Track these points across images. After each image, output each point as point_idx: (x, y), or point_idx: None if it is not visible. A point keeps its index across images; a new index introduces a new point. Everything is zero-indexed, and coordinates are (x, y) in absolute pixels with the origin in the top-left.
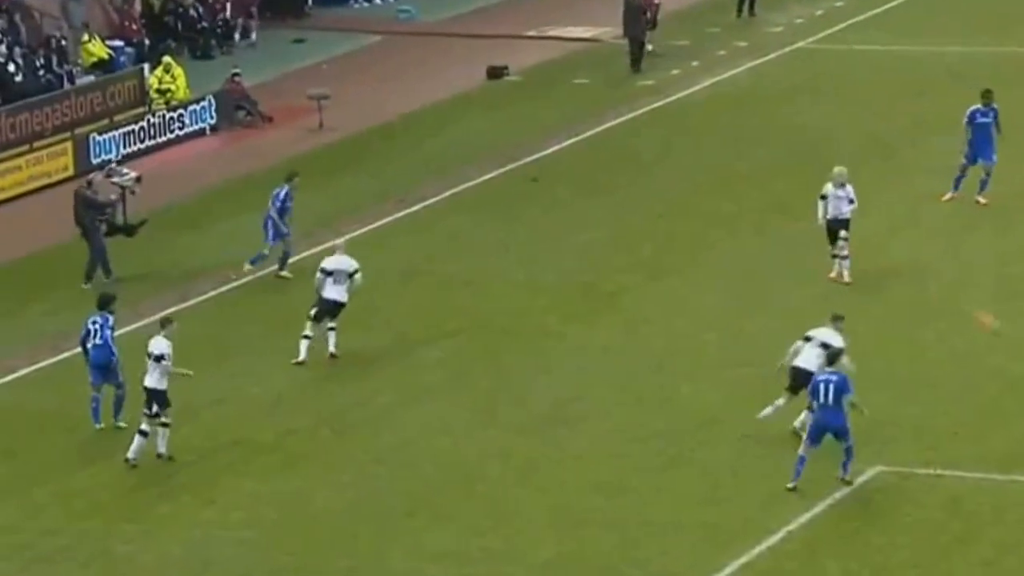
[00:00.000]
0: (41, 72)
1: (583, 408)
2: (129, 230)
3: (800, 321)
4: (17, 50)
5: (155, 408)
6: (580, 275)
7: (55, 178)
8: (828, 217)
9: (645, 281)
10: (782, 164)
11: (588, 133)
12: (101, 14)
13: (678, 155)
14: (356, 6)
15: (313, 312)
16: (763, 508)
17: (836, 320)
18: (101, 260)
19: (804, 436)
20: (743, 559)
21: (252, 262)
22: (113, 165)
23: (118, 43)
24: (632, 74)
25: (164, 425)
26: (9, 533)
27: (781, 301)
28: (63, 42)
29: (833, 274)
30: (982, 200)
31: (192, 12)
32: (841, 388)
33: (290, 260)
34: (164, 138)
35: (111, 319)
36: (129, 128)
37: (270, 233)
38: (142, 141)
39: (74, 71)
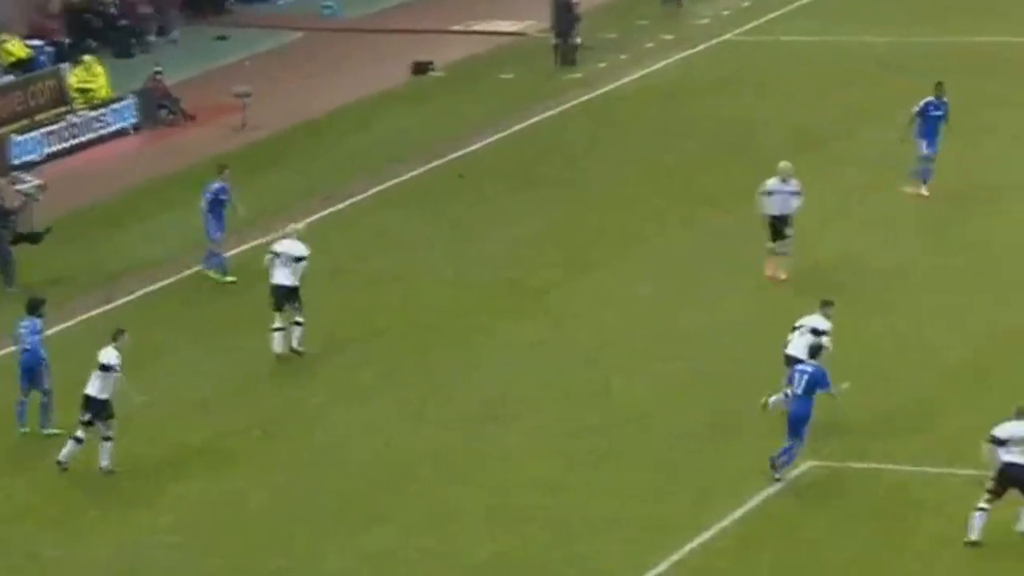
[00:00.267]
0: None
1: (514, 405)
2: (33, 238)
3: (730, 315)
4: None
5: (89, 416)
6: (508, 270)
7: None
8: (774, 213)
9: (574, 275)
10: (710, 156)
11: (515, 128)
12: (19, 13)
13: (606, 148)
14: (279, 2)
15: (272, 302)
16: (697, 504)
17: (825, 306)
18: (3, 268)
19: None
20: (676, 556)
21: (207, 263)
22: (17, 172)
23: (37, 42)
24: (559, 68)
25: (107, 439)
26: None
27: (711, 294)
28: None
29: (769, 272)
30: (924, 192)
31: (112, 10)
32: (814, 381)
33: (222, 258)
34: (86, 137)
35: (39, 323)
36: (50, 128)
37: (211, 228)
38: (64, 141)
39: None
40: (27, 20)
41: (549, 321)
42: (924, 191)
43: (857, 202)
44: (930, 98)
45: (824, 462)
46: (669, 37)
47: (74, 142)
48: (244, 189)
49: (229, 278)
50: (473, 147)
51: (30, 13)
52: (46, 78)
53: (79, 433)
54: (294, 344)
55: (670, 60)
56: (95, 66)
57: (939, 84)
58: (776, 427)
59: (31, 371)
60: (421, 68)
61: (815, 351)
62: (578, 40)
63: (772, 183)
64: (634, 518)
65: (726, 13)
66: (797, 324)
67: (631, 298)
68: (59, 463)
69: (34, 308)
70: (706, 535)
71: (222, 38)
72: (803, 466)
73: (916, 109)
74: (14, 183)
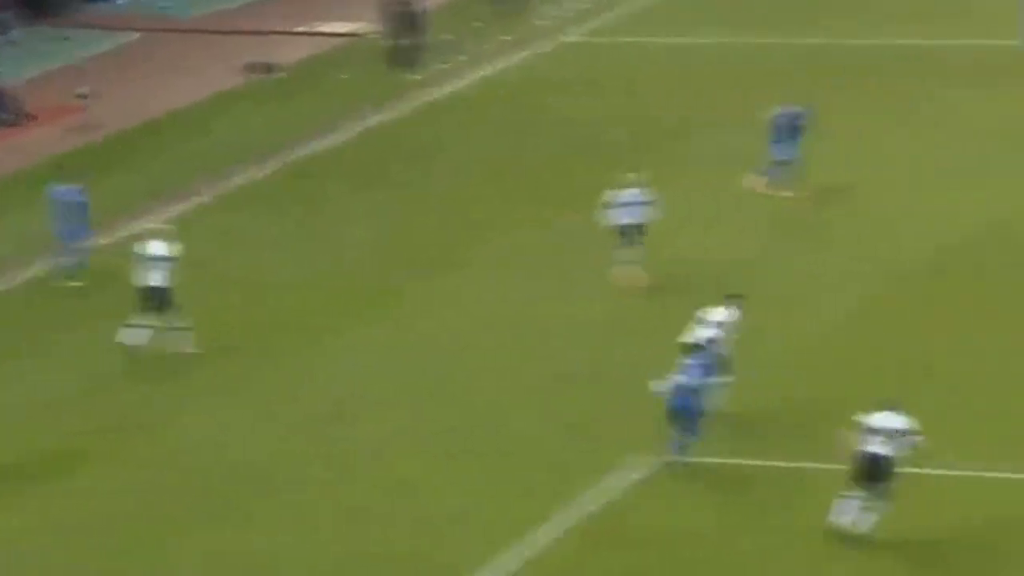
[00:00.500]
0: None
1: (363, 406)
2: None
3: (582, 315)
4: None
5: None
6: (355, 271)
7: None
8: (625, 222)
9: (421, 276)
10: (554, 157)
11: (357, 129)
12: None
13: (449, 149)
14: (119, 2)
15: (140, 303)
16: (550, 501)
17: (730, 299)
18: None
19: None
20: (529, 552)
21: (56, 264)
22: None
23: None
24: (394, 70)
25: None
26: None
27: (559, 294)
28: None
29: (624, 281)
30: (787, 193)
31: None
32: (703, 372)
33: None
34: None
35: None
36: None
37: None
38: None
39: None
40: None
41: (396, 322)
42: (787, 192)
43: (699, 200)
44: (788, 104)
45: (679, 458)
46: (507, 38)
47: None
48: (87, 190)
49: (75, 282)
50: (315, 148)
51: None
52: None
53: None
54: (187, 348)
55: (511, 61)
56: None
57: (798, 89)
58: (634, 426)
59: None
60: (261, 68)
61: (709, 344)
62: (420, 41)
63: (623, 192)
64: (486, 515)
65: (565, 14)
66: (699, 315)
67: (477, 299)
68: None
69: None
70: (560, 532)
71: (62, 38)
72: (655, 463)
73: (773, 113)
74: None
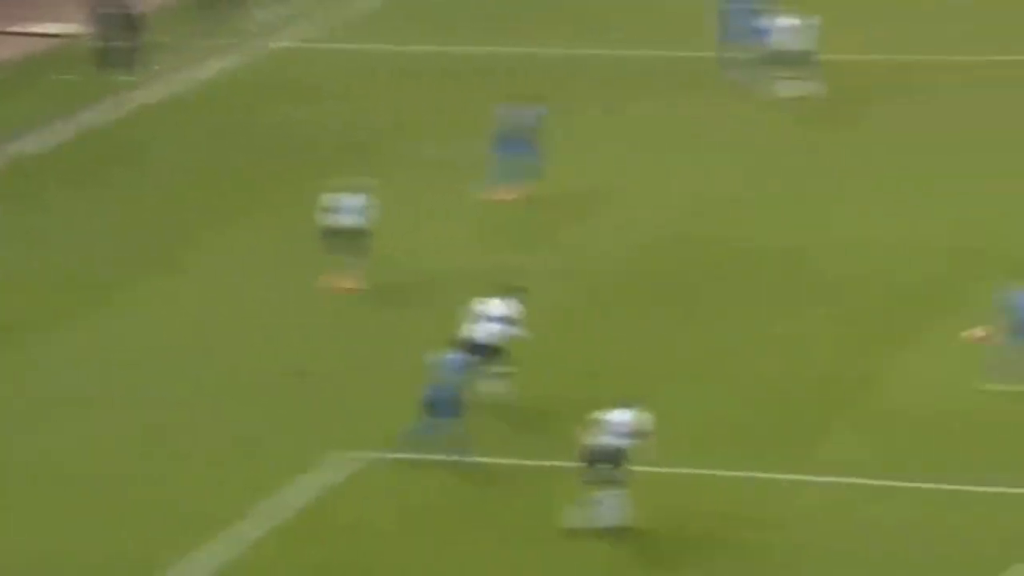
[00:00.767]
0: None
1: (67, 405)
2: None
3: (293, 315)
4: None
5: None
6: (67, 271)
7: None
8: (339, 225)
9: (135, 277)
10: (269, 161)
11: (73, 129)
12: None
13: (165, 152)
14: None
15: None
16: (247, 498)
17: (510, 291)
18: None
19: None
20: (223, 548)
21: None
22: None
23: None
24: (107, 71)
25: None
26: None
27: (273, 296)
28: None
29: (339, 283)
30: (513, 195)
31: None
32: (458, 368)
33: None
34: None
35: None
36: None
37: None
38: None
39: None
40: None
41: (109, 322)
42: (515, 195)
43: (417, 205)
44: (524, 105)
45: (388, 454)
46: (223, 43)
47: None
48: None
49: None
50: (28, 148)
51: None
52: None
53: None
54: None
55: (226, 65)
56: None
57: (520, 95)
58: (345, 424)
59: None
60: None
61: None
62: (136, 43)
63: (339, 197)
64: (184, 511)
65: (279, 21)
66: (479, 309)
67: (192, 300)
68: None
69: None
70: (260, 529)
71: None
72: (367, 459)
73: (505, 119)
74: None
